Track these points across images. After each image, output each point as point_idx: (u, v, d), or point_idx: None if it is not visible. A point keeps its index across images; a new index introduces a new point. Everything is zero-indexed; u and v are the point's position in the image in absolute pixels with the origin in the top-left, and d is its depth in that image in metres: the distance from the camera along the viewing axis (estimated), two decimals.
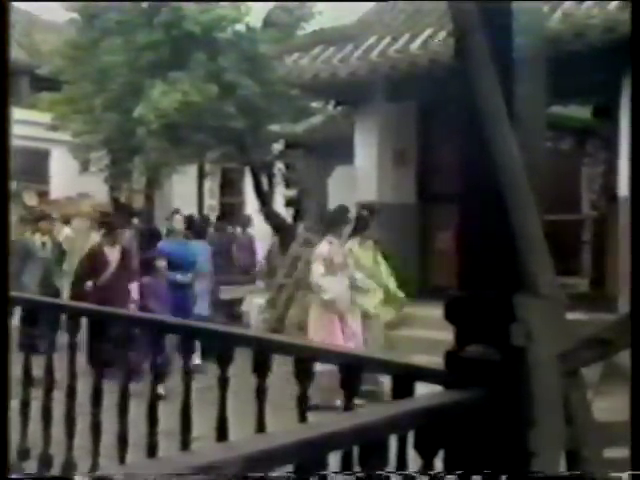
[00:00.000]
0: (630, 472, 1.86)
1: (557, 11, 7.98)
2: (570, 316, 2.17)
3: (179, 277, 8.09)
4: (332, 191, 11.46)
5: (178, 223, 8.60)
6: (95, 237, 9.69)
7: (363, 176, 10.18)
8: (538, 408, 1.93)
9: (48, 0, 12.27)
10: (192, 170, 15.52)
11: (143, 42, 12.04)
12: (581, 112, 9.92)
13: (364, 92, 9.89)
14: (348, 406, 2.38)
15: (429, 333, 7.16)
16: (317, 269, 7.14)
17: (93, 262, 8.09)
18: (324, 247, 7.32)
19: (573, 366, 2.04)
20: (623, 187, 8.09)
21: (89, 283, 7.94)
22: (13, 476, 1.42)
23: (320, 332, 6.95)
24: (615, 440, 2.25)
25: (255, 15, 12.73)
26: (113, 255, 8.02)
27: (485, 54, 1.83)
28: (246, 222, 13.23)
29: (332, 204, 11.25)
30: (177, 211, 9.23)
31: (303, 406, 2.50)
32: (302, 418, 2.51)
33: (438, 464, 2.01)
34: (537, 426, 1.92)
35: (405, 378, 2.22)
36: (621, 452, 2.42)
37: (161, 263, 7.79)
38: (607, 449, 2.23)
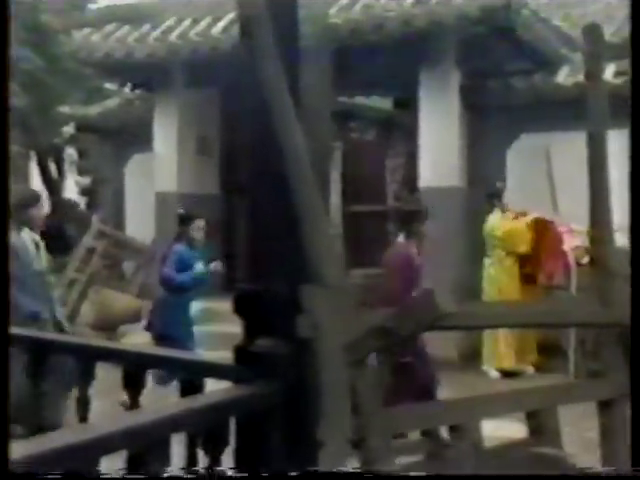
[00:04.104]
0: (630, 470, 1.90)
1: (358, 3, 8.20)
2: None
3: None
4: (129, 180, 10.96)
5: (199, 232, 6.11)
6: None
7: (162, 165, 9.83)
8: (325, 399, 1.93)
9: None
10: None
11: None
12: (384, 103, 10.15)
13: (163, 75, 9.56)
14: (133, 405, 2.27)
15: (233, 328, 7.01)
16: None
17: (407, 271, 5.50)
18: None
19: (359, 356, 2.07)
20: (423, 178, 8.43)
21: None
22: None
23: None
24: (400, 427, 2.32)
25: None
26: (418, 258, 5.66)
27: (269, 42, 1.79)
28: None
29: (129, 194, 10.79)
30: (195, 215, 6.33)
31: (82, 408, 2.34)
32: (82, 420, 2.36)
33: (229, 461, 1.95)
34: (325, 417, 1.92)
35: (194, 375, 2.15)
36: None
37: None
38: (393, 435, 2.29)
